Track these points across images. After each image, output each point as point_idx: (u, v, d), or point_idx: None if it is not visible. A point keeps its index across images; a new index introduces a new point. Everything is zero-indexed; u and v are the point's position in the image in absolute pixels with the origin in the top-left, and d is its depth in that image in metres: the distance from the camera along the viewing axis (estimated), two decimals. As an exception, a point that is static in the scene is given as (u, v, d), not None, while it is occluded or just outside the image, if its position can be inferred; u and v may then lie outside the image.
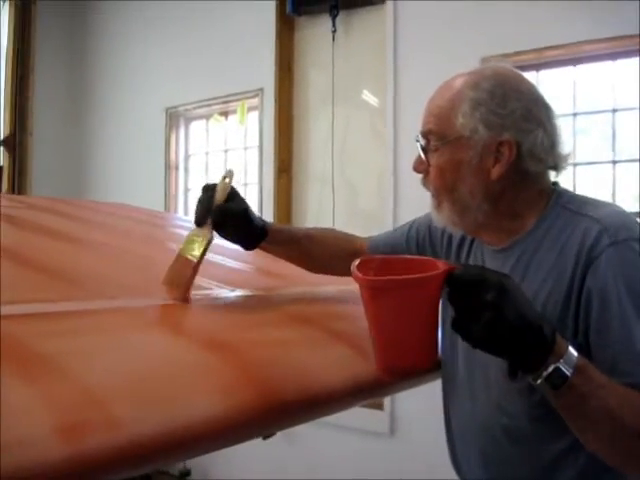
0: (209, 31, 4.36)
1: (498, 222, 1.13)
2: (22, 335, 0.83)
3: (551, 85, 3.11)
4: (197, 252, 1.11)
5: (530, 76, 3.11)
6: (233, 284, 1.45)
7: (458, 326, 0.86)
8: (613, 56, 2.95)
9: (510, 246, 1.14)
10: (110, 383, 0.74)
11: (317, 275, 1.50)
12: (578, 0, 2.89)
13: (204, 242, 1.12)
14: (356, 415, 3.43)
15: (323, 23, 3.84)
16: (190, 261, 1.11)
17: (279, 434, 3.96)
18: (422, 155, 1.14)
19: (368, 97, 3.78)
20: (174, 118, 4.67)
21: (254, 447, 4.04)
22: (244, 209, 1.20)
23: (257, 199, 4.13)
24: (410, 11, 3.46)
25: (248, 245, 1.26)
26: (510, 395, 1.09)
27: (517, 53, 3.06)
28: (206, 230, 1.14)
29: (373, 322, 0.90)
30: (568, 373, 0.86)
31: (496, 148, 1.07)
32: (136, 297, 1.19)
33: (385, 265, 1.00)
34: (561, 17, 2.92)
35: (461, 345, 1.16)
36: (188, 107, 4.56)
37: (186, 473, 4.21)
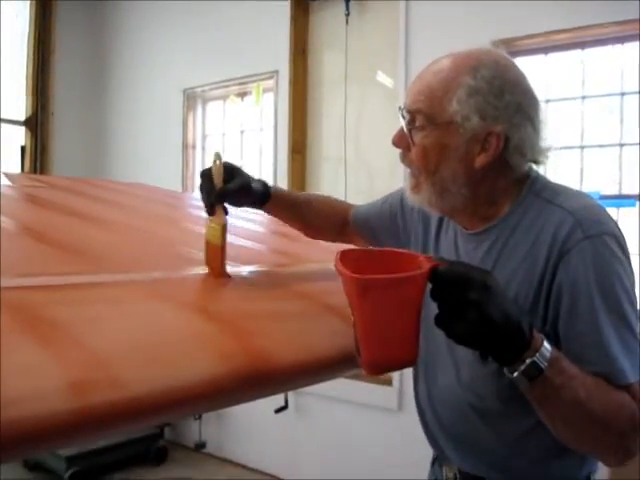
0: (226, 14, 4.42)
1: (474, 207, 1.14)
2: (38, 304, 0.91)
3: (560, 68, 3.13)
4: (218, 237, 1.20)
5: (539, 59, 3.14)
6: (239, 261, 1.51)
7: (441, 323, 0.87)
8: (621, 40, 2.96)
9: (484, 231, 1.14)
10: (116, 347, 0.82)
11: (323, 253, 1.56)
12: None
13: (219, 228, 1.20)
14: (365, 391, 3.53)
15: (337, 6, 3.88)
16: (216, 246, 1.21)
17: (291, 409, 4.08)
18: (405, 131, 1.12)
19: (382, 78, 3.81)
20: (191, 99, 4.74)
21: (267, 421, 4.18)
22: (241, 185, 1.26)
23: (272, 179, 4.20)
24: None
25: (253, 207, 1.38)
26: (480, 377, 1.12)
27: (526, 36, 3.09)
28: (219, 216, 1.22)
29: (358, 318, 0.88)
30: (543, 366, 0.89)
31: (484, 138, 1.06)
32: (146, 272, 1.26)
33: (365, 257, 1.00)
34: (569, 1, 2.93)
35: (427, 323, 1.07)
36: (205, 88, 4.64)
37: (201, 445, 4.31)
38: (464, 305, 0.85)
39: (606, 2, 2.82)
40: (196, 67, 4.59)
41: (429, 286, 0.87)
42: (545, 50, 3.15)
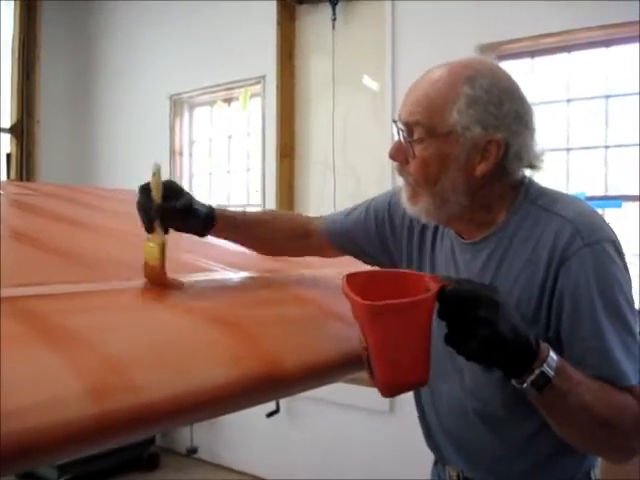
0: (212, 20, 4.42)
1: (471, 214, 1.14)
2: (50, 312, 0.92)
3: (546, 72, 3.16)
4: (157, 258, 1.14)
5: (525, 63, 3.17)
6: (238, 266, 1.53)
7: (452, 341, 0.89)
8: (606, 43, 3.00)
9: (482, 240, 1.15)
10: (130, 353, 0.83)
11: (316, 258, 1.56)
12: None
13: (158, 248, 1.15)
14: (356, 393, 3.54)
15: (323, 11, 3.90)
16: (154, 267, 1.15)
17: (282, 413, 4.06)
18: (403, 143, 1.11)
19: (368, 82, 3.83)
20: (178, 105, 4.74)
21: (258, 426, 4.17)
22: (187, 203, 1.20)
23: (260, 184, 4.22)
24: (408, -2, 3.52)
25: (196, 233, 1.29)
26: (483, 383, 1.13)
27: (513, 40, 3.12)
28: (158, 235, 1.16)
29: (370, 343, 0.89)
30: (550, 375, 0.91)
31: (484, 146, 1.06)
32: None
33: (371, 280, 0.99)
34: (556, 5, 2.97)
35: None
36: (192, 94, 4.63)
37: (193, 451, 4.30)
38: (474, 323, 0.86)
39: (592, 6, 2.86)
40: (183, 73, 4.58)
41: (436, 305, 0.88)
42: (532, 54, 3.19)
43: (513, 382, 0.94)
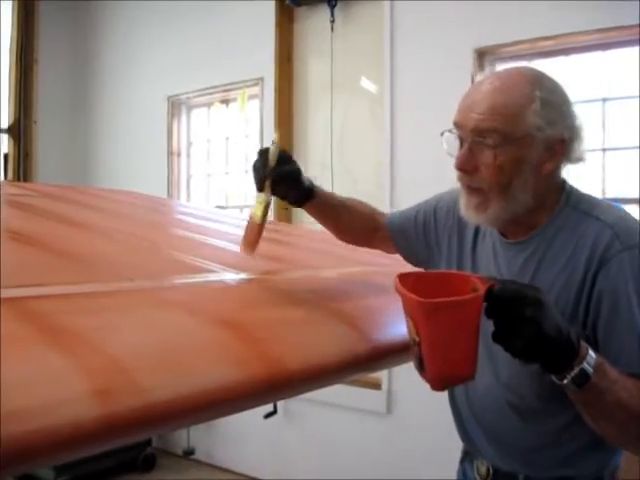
0: (210, 21, 4.42)
1: (525, 215, 1.17)
2: (53, 313, 0.92)
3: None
4: (259, 214, 1.28)
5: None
6: (239, 268, 1.53)
7: (499, 339, 0.93)
8: (604, 46, 3.01)
9: (525, 240, 1.19)
10: (135, 354, 0.83)
11: (315, 259, 1.57)
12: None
13: (263, 205, 1.27)
14: (354, 394, 3.54)
15: (322, 13, 3.91)
16: (254, 223, 1.29)
17: (280, 414, 4.05)
18: (472, 152, 1.13)
19: (367, 84, 3.84)
20: (176, 106, 4.74)
21: (255, 427, 4.17)
22: (296, 171, 1.30)
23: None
24: (406, 0, 3.53)
25: (296, 203, 1.38)
26: (519, 376, 1.17)
27: (511, 43, 3.13)
28: (265, 194, 1.28)
29: (424, 338, 0.94)
30: (590, 373, 0.95)
31: (552, 145, 1.11)
32: (150, 279, 1.28)
33: (420, 280, 1.04)
34: (553, 8, 2.98)
35: None
36: (190, 95, 4.64)
37: (190, 452, 4.30)
38: (521, 322, 0.90)
39: (589, 10, 2.88)
40: (180, 74, 4.58)
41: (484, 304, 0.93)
42: (529, 57, 3.20)
43: (553, 378, 0.98)
